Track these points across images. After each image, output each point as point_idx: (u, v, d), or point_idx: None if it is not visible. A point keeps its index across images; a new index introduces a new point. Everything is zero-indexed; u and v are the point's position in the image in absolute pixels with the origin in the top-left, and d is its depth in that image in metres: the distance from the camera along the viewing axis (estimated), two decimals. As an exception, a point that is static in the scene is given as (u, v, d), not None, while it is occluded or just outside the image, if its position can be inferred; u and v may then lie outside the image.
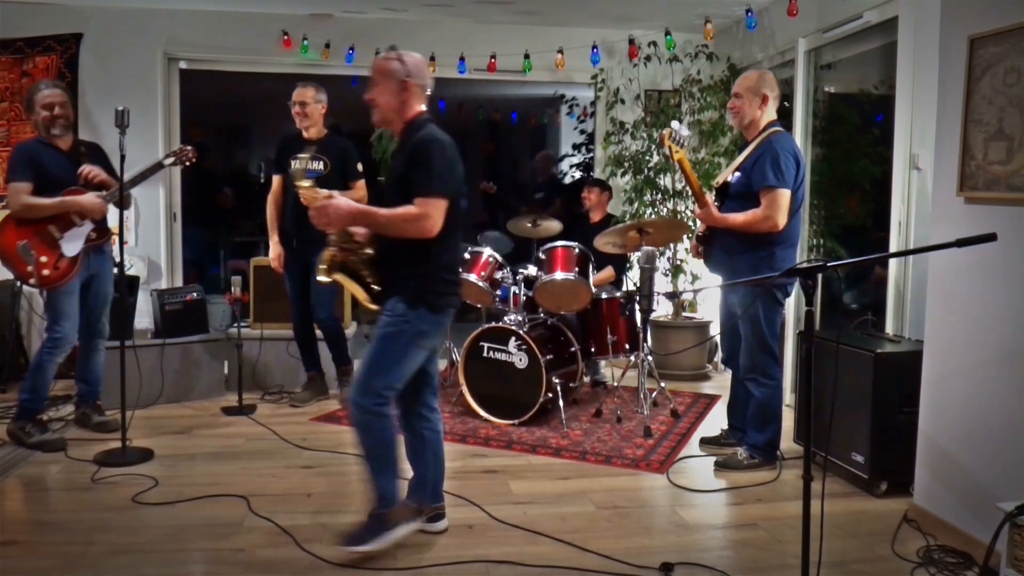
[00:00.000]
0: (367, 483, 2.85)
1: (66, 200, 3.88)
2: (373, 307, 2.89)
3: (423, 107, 2.88)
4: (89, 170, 3.93)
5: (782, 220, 3.58)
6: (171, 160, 4.17)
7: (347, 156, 4.74)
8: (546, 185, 7.38)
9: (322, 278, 2.90)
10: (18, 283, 5.32)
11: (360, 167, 4.74)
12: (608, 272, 5.27)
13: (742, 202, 3.67)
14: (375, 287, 2.90)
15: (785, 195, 3.57)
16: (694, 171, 3.93)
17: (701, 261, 4.04)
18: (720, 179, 3.92)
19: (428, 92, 2.91)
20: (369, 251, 2.90)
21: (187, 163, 4.22)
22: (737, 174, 3.73)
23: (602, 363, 5.39)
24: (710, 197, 3.84)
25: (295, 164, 4.75)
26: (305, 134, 4.76)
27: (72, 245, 3.92)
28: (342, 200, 2.78)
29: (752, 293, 3.71)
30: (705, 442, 4.19)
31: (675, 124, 3.92)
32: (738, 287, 3.75)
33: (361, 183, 4.72)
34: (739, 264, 3.70)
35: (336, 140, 4.80)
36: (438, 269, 2.80)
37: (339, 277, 2.91)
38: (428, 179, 2.70)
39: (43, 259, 3.86)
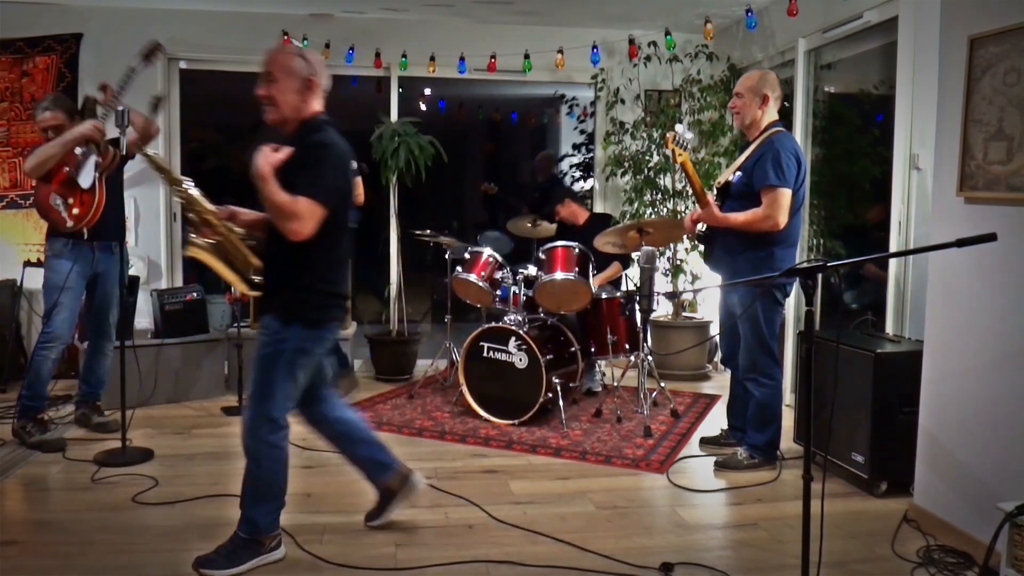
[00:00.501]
0: (243, 507, 2.77)
1: (65, 135, 3.98)
2: (252, 293, 2.86)
3: (320, 107, 2.77)
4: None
5: (783, 219, 3.58)
6: (143, 63, 4.11)
7: None
8: (547, 185, 7.36)
9: (187, 253, 2.85)
10: (17, 284, 5.34)
11: (354, 165, 4.61)
12: (615, 267, 5.21)
13: (743, 201, 3.67)
14: (254, 277, 2.84)
15: (786, 194, 3.57)
16: (696, 172, 3.93)
17: (701, 261, 4.04)
18: (721, 179, 3.93)
19: (327, 92, 2.79)
20: (239, 230, 2.86)
21: (155, 58, 4.12)
22: (738, 174, 3.74)
23: (597, 371, 5.34)
24: (711, 197, 3.84)
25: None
26: None
27: (86, 176, 4.02)
28: (273, 157, 2.62)
29: (752, 293, 3.71)
30: (705, 442, 4.20)
31: (679, 127, 3.92)
32: (738, 287, 3.75)
33: (356, 180, 4.61)
34: (739, 263, 3.71)
35: None
36: (315, 282, 2.68)
37: (200, 255, 2.84)
38: (311, 182, 2.57)
39: (70, 200, 4.00)
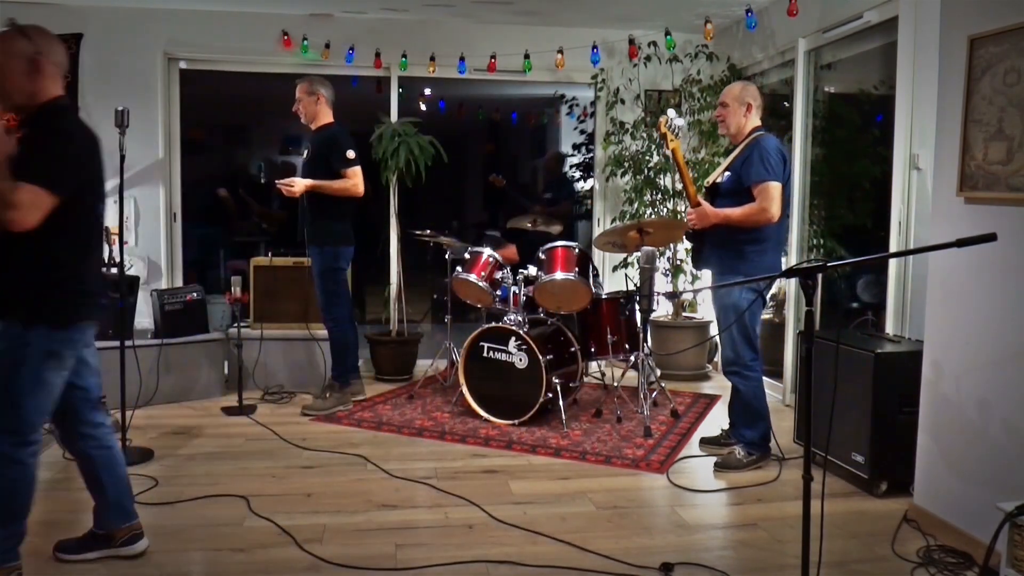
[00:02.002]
0: None
1: None
2: None
3: (60, 90, 2.51)
4: None
5: (776, 211, 3.67)
6: None
7: (331, 144, 4.68)
8: (555, 185, 7.31)
9: None
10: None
11: (350, 154, 4.64)
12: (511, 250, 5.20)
13: (733, 199, 3.77)
14: None
15: (777, 187, 3.66)
16: (688, 168, 4.02)
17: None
18: (710, 180, 4.03)
19: (65, 71, 2.55)
20: None
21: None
22: (727, 174, 3.85)
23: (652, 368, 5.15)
24: (701, 197, 3.92)
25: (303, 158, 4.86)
26: (312, 128, 4.85)
27: None
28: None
29: (743, 287, 3.76)
30: (705, 442, 4.20)
31: (671, 112, 4.06)
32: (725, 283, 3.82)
33: (351, 171, 4.63)
34: (729, 259, 3.78)
35: (328, 129, 4.77)
36: (61, 279, 2.46)
37: None
38: (37, 170, 2.33)
39: None
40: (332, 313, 4.79)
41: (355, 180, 4.64)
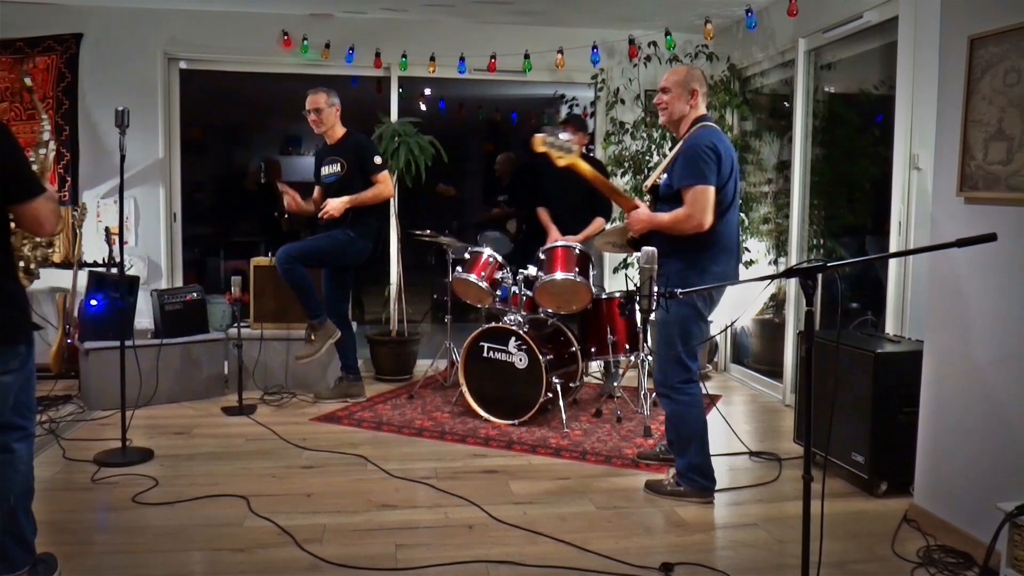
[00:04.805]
0: None
1: None
2: None
3: None
4: None
5: (707, 219, 3.23)
6: None
7: (362, 153, 4.81)
8: (509, 187, 7.25)
9: None
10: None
11: (378, 160, 4.81)
12: (598, 223, 5.13)
13: (672, 204, 3.34)
14: None
15: (706, 191, 3.22)
16: (595, 171, 3.49)
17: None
18: (649, 182, 3.58)
19: None
20: None
21: None
22: (664, 176, 3.42)
23: (618, 373, 5.16)
24: (638, 199, 3.58)
25: (324, 170, 4.92)
26: (328, 140, 4.88)
27: None
28: None
29: (674, 301, 3.26)
30: (644, 457, 3.96)
31: (546, 130, 3.64)
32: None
33: (380, 176, 4.79)
34: (667, 268, 3.31)
35: (352, 138, 4.89)
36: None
37: None
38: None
39: None
40: (298, 260, 4.69)
41: (386, 184, 4.83)
